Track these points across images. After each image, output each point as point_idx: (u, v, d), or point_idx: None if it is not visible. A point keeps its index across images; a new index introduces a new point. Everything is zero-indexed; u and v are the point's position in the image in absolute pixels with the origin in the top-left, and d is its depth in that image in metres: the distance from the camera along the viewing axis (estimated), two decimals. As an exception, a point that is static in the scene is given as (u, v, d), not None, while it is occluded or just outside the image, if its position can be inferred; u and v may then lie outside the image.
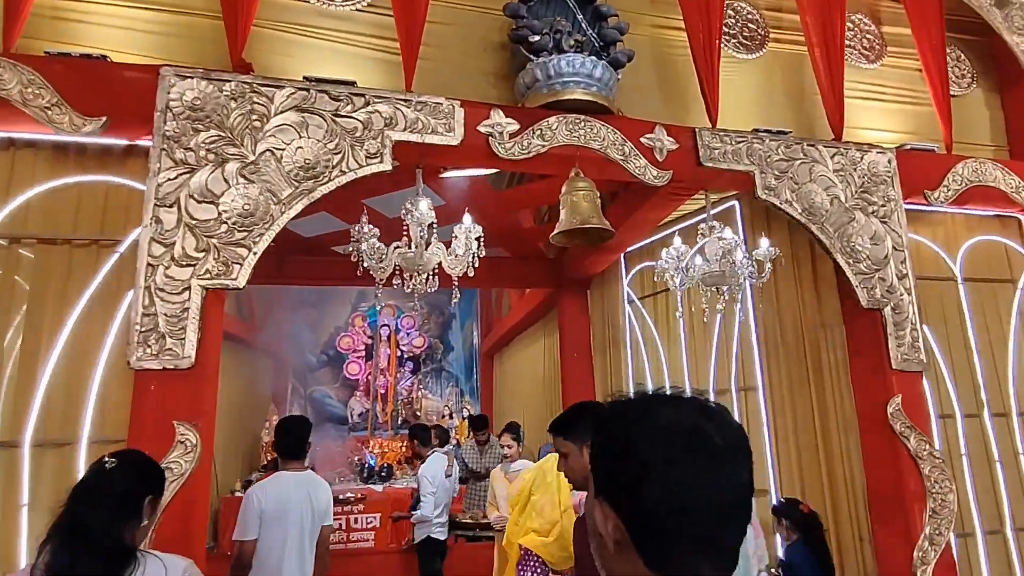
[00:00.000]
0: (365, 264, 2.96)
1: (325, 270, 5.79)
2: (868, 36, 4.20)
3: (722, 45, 3.70)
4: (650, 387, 5.44)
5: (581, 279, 6.03)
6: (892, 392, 3.35)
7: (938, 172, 3.75)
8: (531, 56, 3.24)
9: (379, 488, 8.65)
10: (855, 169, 3.61)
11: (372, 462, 9.56)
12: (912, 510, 3.27)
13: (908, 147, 3.79)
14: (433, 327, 13.31)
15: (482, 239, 3.14)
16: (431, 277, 3.24)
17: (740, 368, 4.37)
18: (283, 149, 2.77)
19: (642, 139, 3.29)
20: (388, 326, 12.30)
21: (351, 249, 2.94)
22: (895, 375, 3.38)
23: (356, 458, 10.34)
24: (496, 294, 11.52)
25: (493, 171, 3.66)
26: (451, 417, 11.16)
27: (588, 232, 3.20)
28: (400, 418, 11.76)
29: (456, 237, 3.06)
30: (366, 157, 2.88)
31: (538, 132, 3.14)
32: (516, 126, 3.12)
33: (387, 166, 2.90)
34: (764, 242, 3.47)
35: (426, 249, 3.08)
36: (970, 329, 3.88)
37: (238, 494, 5.78)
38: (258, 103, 2.79)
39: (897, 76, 4.19)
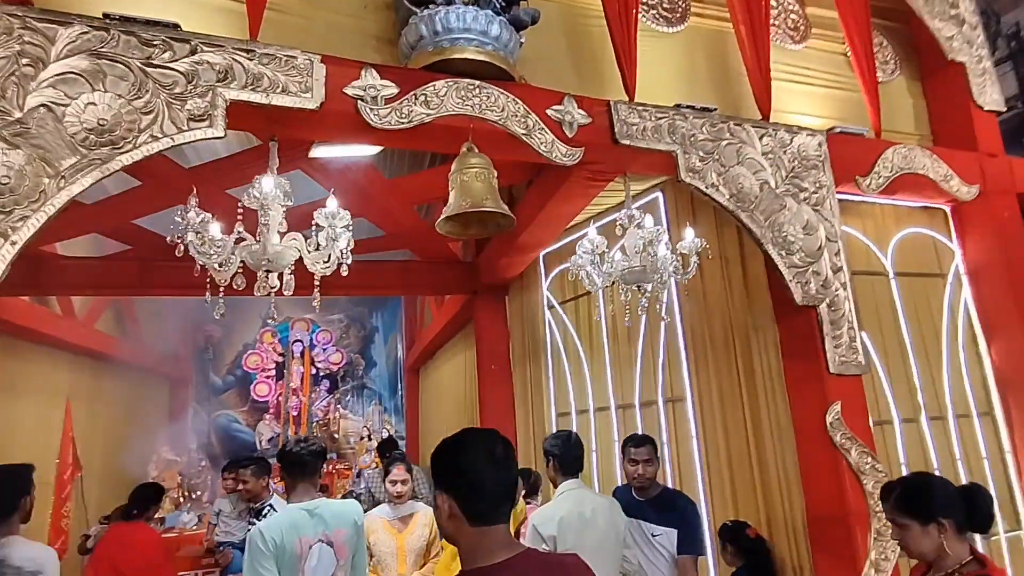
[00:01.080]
0: (200, 262, 2.27)
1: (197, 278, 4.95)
2: (793, 15, 3.92)
3: (640, 17, 3.29)
4: (572, 403, 4.97)
5: (498, 284, 5.50)
6: (830, 399, 2.98)
7: (868, 157, 3.47)
8: (415, 9, 2.68)
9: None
10: (784, 152, 3.25)
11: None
12: (855, 532, 2.90)
13: (838, 130, 3.50)
14: (353, 341, 12.41)
15: (350, 227, 2.51)
16: (287, 277, 2.59)
17: (667, 377, 3.94)
18: (66, 105, 2.06)
19: (549, 111, 2.78)
20: (301, 342, 11.33)
21: (177, 240, 2.25)
22: (833, 380, 3.01)
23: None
24: (419, 304, 10.83)
25: (376, 149, 3.06)
26: (369, 439, 10.33)
27: (484, 219, 2.66)
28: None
29: (317, 225, 2.43)
30: (189, 120, 2.21)
31: (422, 98, 2.57)
32: (394, 89, 2.53)
33: (219, 132, 2.25)
34: (689, 233, 3.04)
35: (280, 240, 2.43)
36: (904, 327, 3.60)
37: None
38: (32, 43, 2.07)
39: (823, 59, 3.93)
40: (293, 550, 2.32)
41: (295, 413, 10.80)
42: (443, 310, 7.41)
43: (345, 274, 2.64)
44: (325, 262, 2.60)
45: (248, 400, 11.27)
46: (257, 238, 2.36)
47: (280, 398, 10.94)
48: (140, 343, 8.96)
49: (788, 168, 3.24)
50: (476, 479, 1.25)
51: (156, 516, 8.04)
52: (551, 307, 5.05)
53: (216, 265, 2.40)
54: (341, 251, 2.56)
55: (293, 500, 2.54)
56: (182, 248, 2.24)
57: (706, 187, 3.00)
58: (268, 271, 2.44)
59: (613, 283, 3.15)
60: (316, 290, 2.61)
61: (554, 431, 4.77)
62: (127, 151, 2.10)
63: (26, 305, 5.83)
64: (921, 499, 1.83)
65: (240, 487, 4.55)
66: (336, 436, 11.18)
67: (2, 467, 2.56)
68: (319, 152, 3.05)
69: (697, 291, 3.68)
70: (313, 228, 2.46)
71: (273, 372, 11.10)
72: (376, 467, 5.95)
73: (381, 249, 5.15)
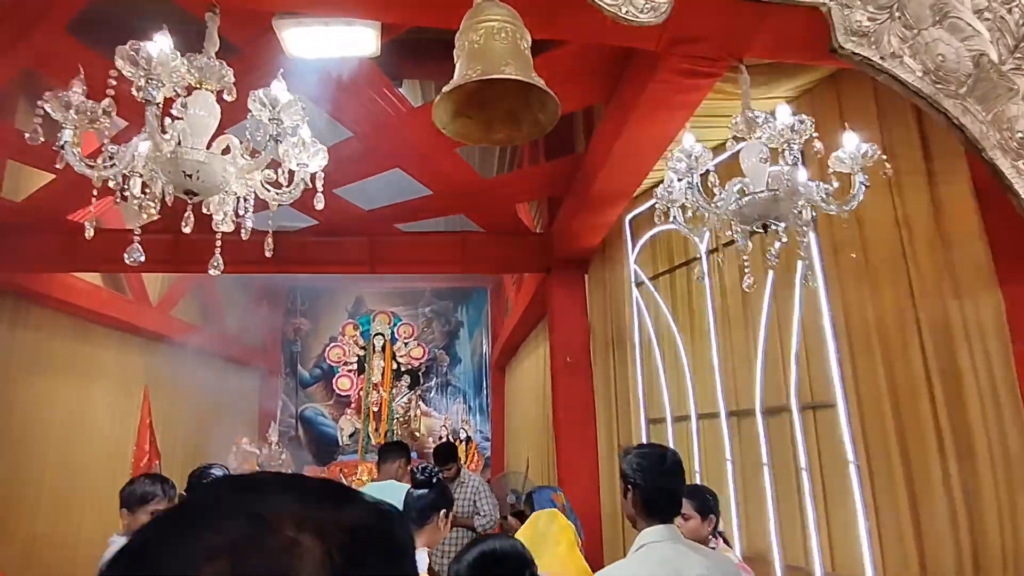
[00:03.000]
0: (69, 159, 1.51)
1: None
2: None
3: None
4: (667, 407, 3.85)
5: (576, 257, 4.50)
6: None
7: None
8: None
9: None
10: (1011, 9, 2.00)
11: (350, 493, 8.14)
12: None
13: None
14: (437, 336, 11.88)
15: (305, 118, 1.65)
16: (237, 209, 1.80)
17: (805, 374, 2.76)
18: None
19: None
20: (383, 335, 10.97)
21: (32, 128, 1.50)
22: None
23: (342, 486, 8.88)
24: (504, 296, 10.05)
25: (372, 35, 2.21)
26: (447, 438, 9.67)
27: (515, 112, 1.71)
28: (395, 439, 10.34)
29: (252, 114, 1.59)
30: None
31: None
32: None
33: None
34: (850, 138, 1.90)
35: (208, 146, 1.63)
36: None
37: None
38: None
39: None
40: None
41: (375, 409, 10.41)
42: (520, 297, 6.52)
43: (320, 207, 1.80)
44: (284, 185, 1.79)
45: (333, 394, 11.08)
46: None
47: (361, 392, 10.60)
48: (224, 332, 8.90)
49: (1018, 34, 1.99)
50: None
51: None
52: (640, 284, 3.97)
53: (126, 184, 1.65)
54: (304, 164, 1.73)
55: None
56: (38, 139, 1.48)
57: (881, 58, 1.84)
58: (192, 198, 1.64)
59: (725, 229, 2.08)
60: (268, 238, 1.79)
61: (642, 443, 3.71)
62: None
63: (94, 289, 5.69)
64: None
65: None
66: (417, 434, 10.67)
67: None
68: (292, 40, 2.23)
69: (852, 241, 2.48)
70: (249, 126, 1.63)
71: (355, 366, 10.80)
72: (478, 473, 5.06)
73: (431, 214, 4.35)
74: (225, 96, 1.71)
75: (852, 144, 1.90)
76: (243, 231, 1.81)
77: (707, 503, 2.27)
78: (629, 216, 4.06)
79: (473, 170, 3.85)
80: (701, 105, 2.54)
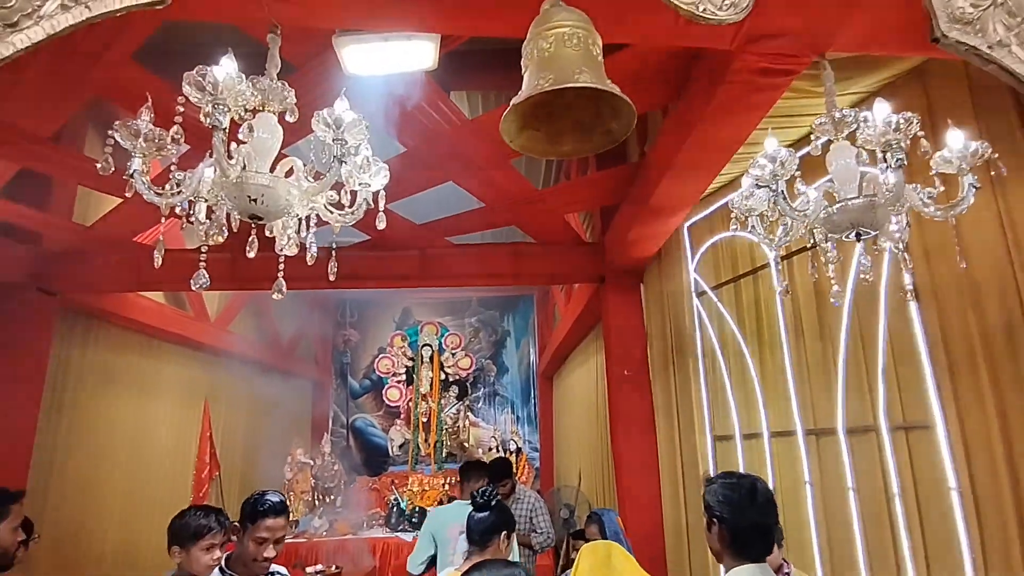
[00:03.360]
0: (138, 188, 1.50)
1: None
2: None
3: None
4: (736, 423, 3.66)
5: (631, 267, 4.35)
6: None
7: None
8: None
9: (407, 538, 7.22)
10: None
11: (402, 505, 8.16)
12: None
13: None
14: (484, 346, 11.86)
15: (367, 138, 1.60)
16: (299, 232, 1.77)
17: (894, 391, 2.55)
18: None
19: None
20: (430, 346, 11.00)
21: (104, 158, 1.49)
22: None
23: (393, 497, 8.94)
24: (551, 305, 9.95)
25: (431, 51, 2.15)
26: (498, 449, 9.59)
27: (583, 122, 1.61)
28: (445, 450, 10.33)
29: (316, 135, 1.55)
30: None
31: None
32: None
33: None
34: (956, 135, 1.72)
35: (271, 169, 1.61)
36: None
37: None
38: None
39: None
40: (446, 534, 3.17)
41: (425, 419, 10.43)
42: (571, 307, 6.40)
43: (382, 227, 1.75)
44: (348, 206, 1.74)
45: (383, 405, 11.18)
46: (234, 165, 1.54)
47: (410, 403, 10.65)
48: (278, 346, 9.11)
49: None
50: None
51: (291, 520, 8.03)
52: (701, 294, 3.80)
53: (191, 210, 1.64)
54: (367, 184, 1.68)
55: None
56: (109, 168, 1.47)
57: (988, 47, 1.66)
58: (257, 222, 1.61)
59: (806, 232, 1.92)
60: (332, 261, 1.74)
61: (719, 471, 3.52)
62: (25, 28, 1.39)
63: (157, 306, 5.88)
64: None
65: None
66: (467, 445, 10.63)
67: None
68: (351, 58, 2.21)
69: (947, 247, 2.26)
70: (312, 147, 1.59)
71: (404, 377, 10.87)
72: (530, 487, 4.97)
73: (483, 226, 4.29)
74: (288, 117, 1.68)
75: (958, 142, 1.72)
76: (309, 256, 1.77)
77: (780, 530, 2.12)
78: (687, 224, 3.90)
79: (526, 181, 3.77)
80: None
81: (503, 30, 1.79)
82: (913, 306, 2.43)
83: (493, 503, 2.29)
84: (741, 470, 3.37)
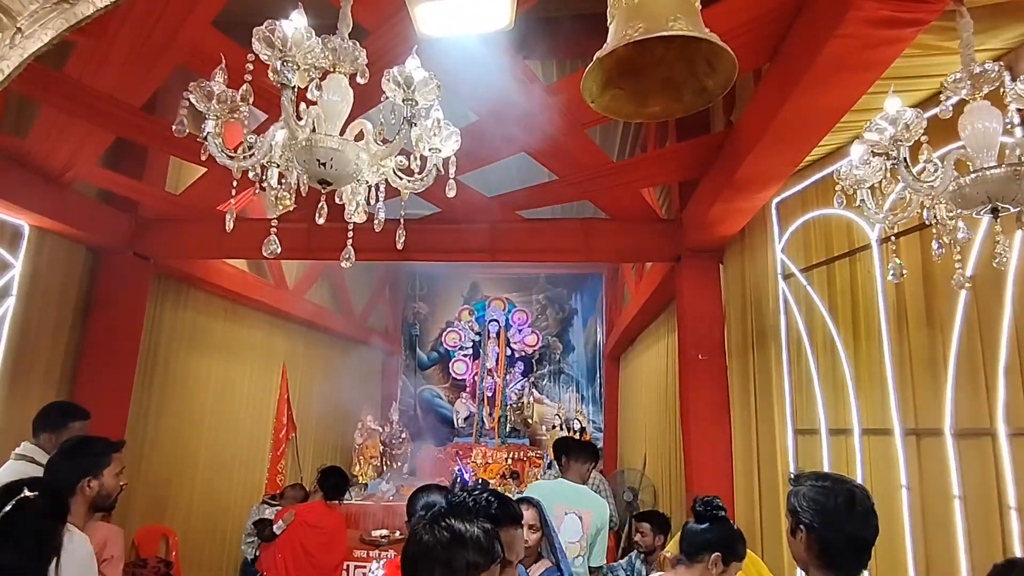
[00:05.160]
0: (211, 150, 1.49)
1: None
2: None
3: None
4: (822, 417, 3.39)
5: (710, 246, 4.10)
6: None
7: None
8: None
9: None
10: None
11: (465, 477, 8.29)
12: None
13: None
14: (551, 323, 11.78)
15: (438, 100, 1.51)
16: (368, 198, 1.72)
17: (1019, 392, 2.24)
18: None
19: None
20: (497, 321, 11.04)
21: (178, 120, 1.49)
22: None
23: (457, 468, 9.12)
24: (619, 285, 9.71)
25: (506, 20, 2.01)
26: (562, 427, 9.55)
27: (675, 81, 1.45)
28: (508, 425, 10.40)
29: (386, 97, 1.48)
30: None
31: None
32: None
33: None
34: None
35: (340, 133, 1.55)
36: None
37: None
38: None
39: None
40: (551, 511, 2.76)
41: (490, 394, 10.53)
42: (641, 286, 6.18)
43: (452, 194, 1.67)
44: (417, 172, 1.67)
45: (449, 377, 11.37)
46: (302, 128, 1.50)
47: (476, 377, 10.78)
48: (351, 315, 9.40)
49: None
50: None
51: (360, 483, 8.37)
52: (788, 276, 3.52)
53: (264, 175, 1.62)
54: (437, 149, 1.60)
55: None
56: (184, 130, 1.45)
57: None
58: (325, 186, 1.57)
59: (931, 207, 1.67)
60: (399, 228, 1.68)
61: (799, 468, 3.29)
62: (103, -10, 1.38)
63: (240, 273, 6.17)
64: None
65: None
66: (530, 421, 10.67)
67: (67, 442, 2.15)
68: (424, 16, 2.10)
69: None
70: (382, 110, 1.53)
71: (470, 351, 10.99)
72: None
73: (555, 200, 4.15)
74: (358, 79, 1.62)
75: None
76: (376, 223, 1.73)
77: None
78: (776, 200, 3.60)
79: (603, 153, 3.59)
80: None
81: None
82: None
83: (718, 515, 2.00)
84: (826, 468, 3.13)
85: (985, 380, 2.34)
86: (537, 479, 8.50)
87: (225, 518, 6.06)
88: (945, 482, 2.46)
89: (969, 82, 1.56)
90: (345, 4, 1.70)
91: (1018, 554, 2.20)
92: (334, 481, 4.55)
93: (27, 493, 1.47)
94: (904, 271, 1.65)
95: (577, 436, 9.19)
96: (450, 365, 11.03)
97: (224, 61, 1.54)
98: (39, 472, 2.72)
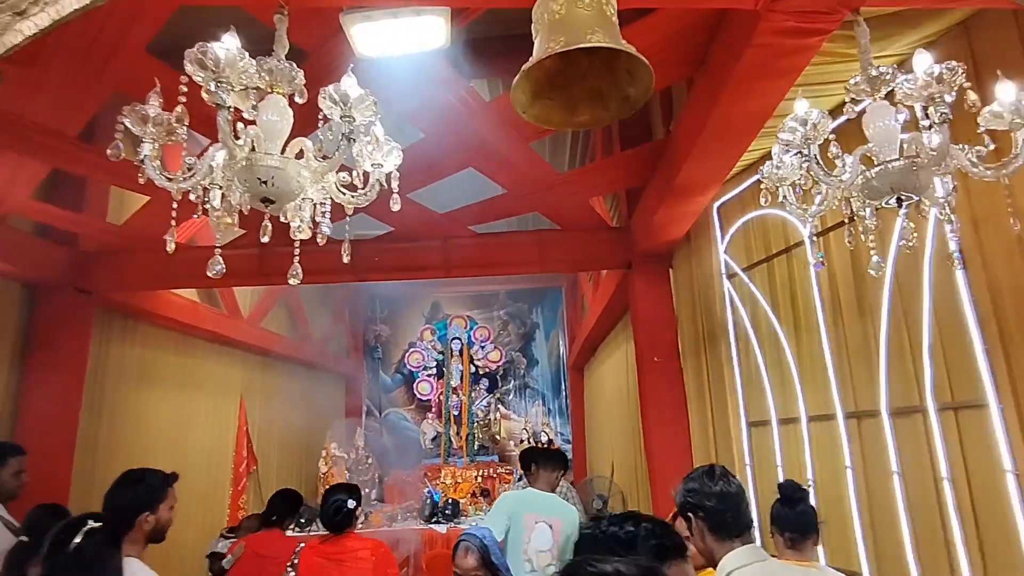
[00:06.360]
0: (149, 173, 1.49)
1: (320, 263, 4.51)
2: None
3: None
4: (772, 408, 3.53)
5: (658, 251, 4.24)
6: None
7: None
8: None
9: (442, 529, 7.27)
10: None
11: (436, 497, 8.20)
12: None
13: None
14: (513, 339, 11.82)
15: (378, 115, 1.56)
16: (313, 215, 1.74)
17: (942, 371, 2.40)
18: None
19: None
20: (460, 339, 11.02)
21: (113, 145, 1.48)
22: None
23: (427, 489, 9.00)
24: (579, 295, 9.86)
25: (440, 21, 2.08)
26: (530, 441, 9.55)
27: (600, 90, 1.54)
28: (477, 442, 10.35)
29: (325, 118, 1.51)
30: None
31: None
32: None
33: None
34: (1007, 88, 1.58)
35: (281, 151, 1.58)
36: None
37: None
38: None
39: None
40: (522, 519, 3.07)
41: (456, 412, 10.47)
42: (598, 295, 6.30)
43: (396, 208, 1.71)
44: (359, 188, 1.71)
45: (414, 399, 11.25)
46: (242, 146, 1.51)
47: (441, 396, 10.70)
48: (310, 341, 9.23)
49: None
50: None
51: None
52: (732, 276, 3.67)
53: (205, 197, 1.62)
54: (379, 164, 1.64)
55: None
56: (119, 154, 1.46)
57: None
58: (267, 204, 1.59)
59: (843, 207, 1.81)
60: (345, 245, 1.71)
61: (754, 458, 3.41)
62: (32, 15, 1.38)
63: (191, 304, 6.01)
64: None
65: None
66: (498, 437, 10.64)
67: (127, 474, 2.10)
68: (361, 37, 2.15)
69: (997, 212, 2.11)
70: (321, 124, 1.56)
71: (434, 370, 10.92)
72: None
73: (505, 213, 4.23)
74: (297, 99, 1.65)
75: (1010, 94, 1.58)
76: (319, 236, 1.74)
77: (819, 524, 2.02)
78: (717, 204, 3.77)
79: (548, 165, 3.69)
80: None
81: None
82: (960, 277, 2.28)
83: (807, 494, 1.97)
84: (778, 456, 3.26)
85: (912, 361, 2.50)
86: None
87: (183, 556, 5.82)
88: (884, 459, 2.60)
89: (868, 84, 1.70)
90: (280, 26, 1.73)
91: (955, 525, 2.34)
92: (280, 504, 4.26)
93: (92, 524, 1.61)
94: (824, 262, 1.76)
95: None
96: (414, 386, 10.93)
97: (159, 84, 1.55)
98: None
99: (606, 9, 1.42)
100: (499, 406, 10.78)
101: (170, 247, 1.58)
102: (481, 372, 10.84)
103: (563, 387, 11.34)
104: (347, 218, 1.72)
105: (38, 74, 2.32)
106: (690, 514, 1.60)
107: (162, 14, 2.18)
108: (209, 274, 1.64)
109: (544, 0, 1.46)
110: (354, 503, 2.66)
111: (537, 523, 3.19)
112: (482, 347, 11.00)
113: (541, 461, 3.37)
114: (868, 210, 1.71)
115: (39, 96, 2.54)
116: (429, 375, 10.87)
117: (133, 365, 5.40)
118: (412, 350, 11.07)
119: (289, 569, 2.62)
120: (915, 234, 1.73)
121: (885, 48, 2.29)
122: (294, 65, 1.64)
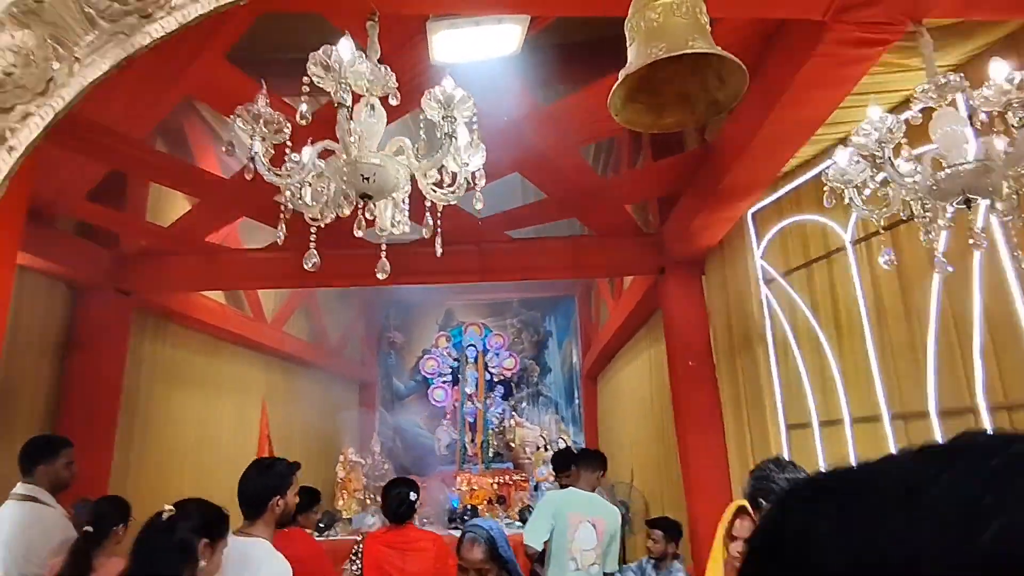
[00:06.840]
0: (257, 169, 1.57)
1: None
2: None
3: None
4: (812, 410, 3.58)
5: (691, 257, 4.31)
6: None
7: None
8: None
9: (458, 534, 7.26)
10: None
11: (454, 503, 8.21)
12: None
13: None
14: (527, 347, 11.86)
15: (476, 119, 1.64)
16: (398, 210, 1.81)
17: (995, 371, 2.45)
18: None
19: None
20: (475, 346, 11.07)
21: (224, 148, 1.57)
22: None
23: (441, 496, 9.01)
24: (594, 304, 9.91)
25: (518, 34, 2.17)
26: (546, 449, 9.56)
27: (687, 94, 1.61)
28: (492, 450, 10.36)
29: (426, 114, 1.59)
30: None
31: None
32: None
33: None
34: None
35: (375, 151, 1.65)
36: None
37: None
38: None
39: None
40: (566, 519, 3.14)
41: (471, 419, 10.49)
42: (621, 303, 6.36)
43: (480, 207, 1.79)
44: (448, 185, 1.78)
45: (428, 405, 11.28)
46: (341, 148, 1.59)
47: (456, 403, 10.73)
48: (328, 347, 9.29)
49: None
50: None
51: (344, 517, 8.16)
52: (770, 281, 3.73)
53: (299, 194, 1.70)
54: (466, 163, 1.71)
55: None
56: (233, 153, 1.54)
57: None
58: (366, 200, 1.66)
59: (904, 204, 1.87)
60: (436, 232, 1.78)
61: (780, 454, 3.45)
62: (159, 19, 1.47)
63: (219, 307, 6.09)
64: None
65: None
66: (512, 444, 10.65)
67: (259, 462, 2.34)
68: (441, 44, 2.24)
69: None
70: (423, 124, 1.64)
71: (449, 377, 10.96)
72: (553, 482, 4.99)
73: (544, 219, 4.30)
74: (391, 100, 1.73)
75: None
76: (400, 229, 1.81)
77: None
78: (752, 211, 3.84)
79: (592, 171, 3.77)
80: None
81: (605, 9, 1.80)
82: (1013, 276, 2.34)
83: None
84: (820, 458, 3.30)
85: (963, 363, 2.56)
86: (524, 503, 8.49)
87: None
88: (933, 460, 2.64)
89: (936, 91, 1.77)
90: (372, 32, 1.82)
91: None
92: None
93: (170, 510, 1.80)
94: (895, 260, 1.83)
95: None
96: (429, 392, 10.96)
97: (265, 86, 1.63)
98: (51, 513, 2.68)
99: (701, 17, 1.50)
100: (513, 413, 10.80)
101: (279, 238, 1.65)
102: (496, 379, 10.88)
103: (576, 395, 11.36)
104: (438, 213, 1.79)
105: (117, 77, 2.40)
106: (761, 499, 1.66)
107: (247, 21, 2.27)
108: (306, 266, 1.71)
109: (639, 9, 1.54)
110: (415, 495, 2.72)
111: (581, 522, 3.24)
112: (497, 354, 11.05)
113: (583, 461, 3.42)
114: (942, 211, 1.77)
115: (112, 100, 2.62)
116: (444, 382, 10.90)
117: (164, 365, 5.48)
118: (427, 357, 11.11)
119: (354, 558, 2.66)
120: (984, 235, 1.79)
121: (940, 59, 2.36)
122: (389, 69, 1.73)
